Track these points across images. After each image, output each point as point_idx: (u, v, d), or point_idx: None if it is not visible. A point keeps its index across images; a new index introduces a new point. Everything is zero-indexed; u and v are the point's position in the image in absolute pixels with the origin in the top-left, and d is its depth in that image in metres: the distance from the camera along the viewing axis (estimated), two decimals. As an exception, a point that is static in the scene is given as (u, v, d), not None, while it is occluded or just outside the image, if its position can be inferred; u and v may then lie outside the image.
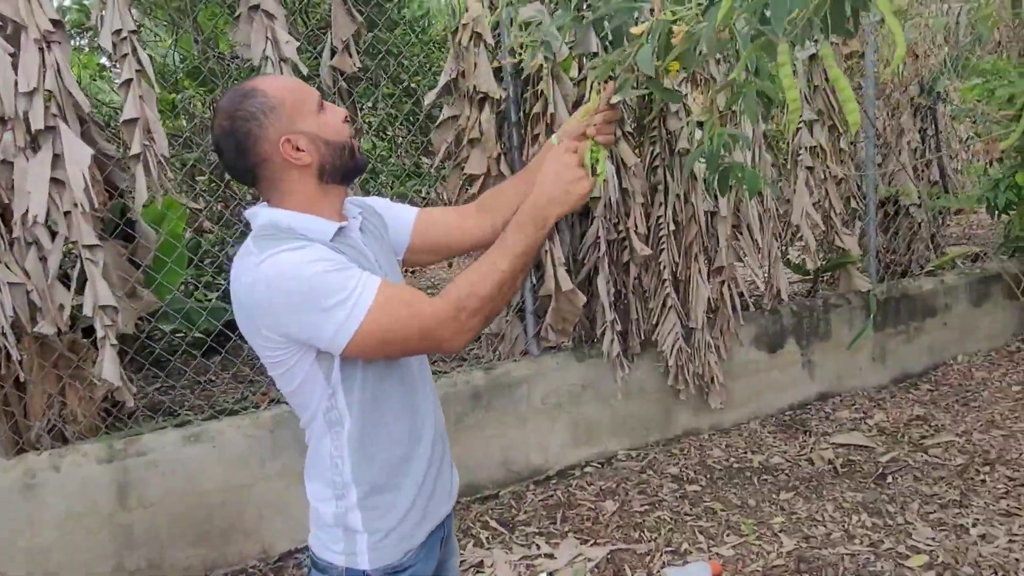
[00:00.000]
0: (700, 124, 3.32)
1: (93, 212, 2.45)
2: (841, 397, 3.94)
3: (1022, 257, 4.35)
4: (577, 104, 3.14)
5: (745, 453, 3.40)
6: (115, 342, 2.49)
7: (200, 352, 3.44)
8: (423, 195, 4.34)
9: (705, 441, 3.54)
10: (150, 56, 2.73)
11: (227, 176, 4.30)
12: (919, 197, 4.42)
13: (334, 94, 2.88)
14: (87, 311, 2.45)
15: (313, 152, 1.21)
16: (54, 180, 2.40)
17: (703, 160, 1.52)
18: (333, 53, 2.92)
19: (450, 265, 5.05)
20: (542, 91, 2.96)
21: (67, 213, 2.40)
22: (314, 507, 1.28)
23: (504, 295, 1.20)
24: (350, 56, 2.83)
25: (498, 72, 3.02)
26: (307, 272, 1.10)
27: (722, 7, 0.96)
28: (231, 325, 3.92)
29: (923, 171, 4.88)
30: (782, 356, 3.77)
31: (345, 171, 1.27)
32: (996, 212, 2.54)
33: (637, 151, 3.25)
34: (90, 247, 2.43)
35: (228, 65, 4.29)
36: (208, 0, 4.16)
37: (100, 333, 2.47)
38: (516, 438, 3.16)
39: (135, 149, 2.51)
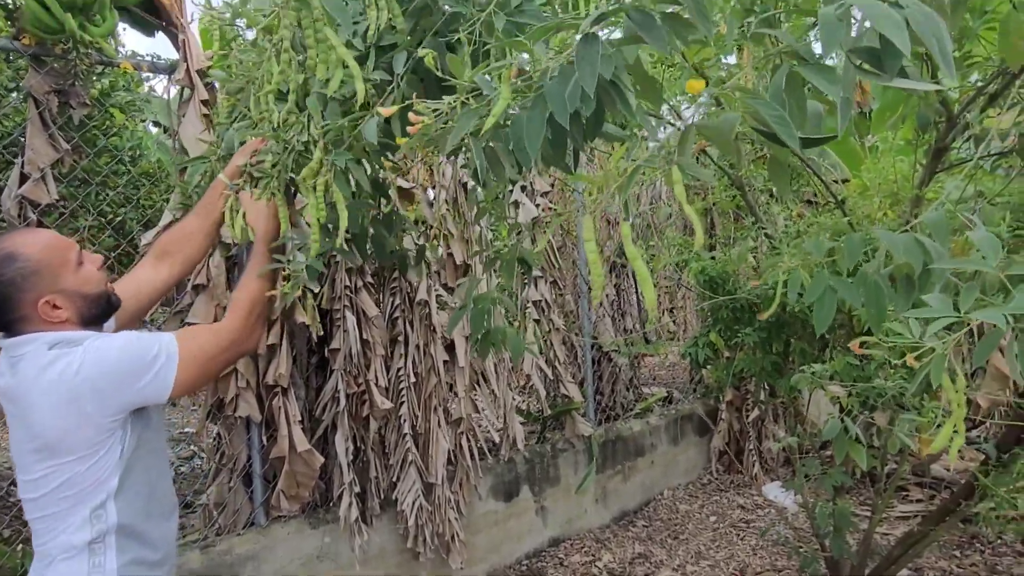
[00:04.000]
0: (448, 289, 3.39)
1: None
2: (571, 541, 4.05)
3: (710, 399, 5.02)
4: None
5: (488, 613, 3.29)
6: None
7: None
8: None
9: (447, 604, 3.36)
10: None
11: None
12: (616, 345, 4.95)
13: (23, 227, 2.43)
14: None
15: (70, 307, 1.38)
16: None
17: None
18: (24, 180, 2.49)
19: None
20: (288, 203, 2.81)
21: None
22: None
23: (270, 299, 1.58)
24: (47, 187, 2.44)
25: (230, 215, 2.82)
26: (124, 340, 1.36)
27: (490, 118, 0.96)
28: None
29: (619, 320, 5.51)
30: (518, 504, 3.80)
31: (102, 316, 1.47)
32: (696, 366, 2.89)
33: (377, 302, 3.20)
34: None
35: None
36: None
37: None
38: (238, 630, 2.70)
39: None
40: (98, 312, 1.44)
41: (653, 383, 6.83)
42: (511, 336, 1.65)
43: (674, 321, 6.80)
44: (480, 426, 3.63)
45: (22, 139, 3.02)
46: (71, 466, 1.31)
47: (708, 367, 2.95)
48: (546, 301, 3.94)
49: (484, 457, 3.69)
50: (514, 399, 3.86)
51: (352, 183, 1.35)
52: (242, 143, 1.81)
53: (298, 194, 1.75)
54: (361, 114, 1.18)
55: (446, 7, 1.16)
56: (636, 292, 5.36)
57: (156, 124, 4.76)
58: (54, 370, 1.30)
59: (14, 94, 3.19)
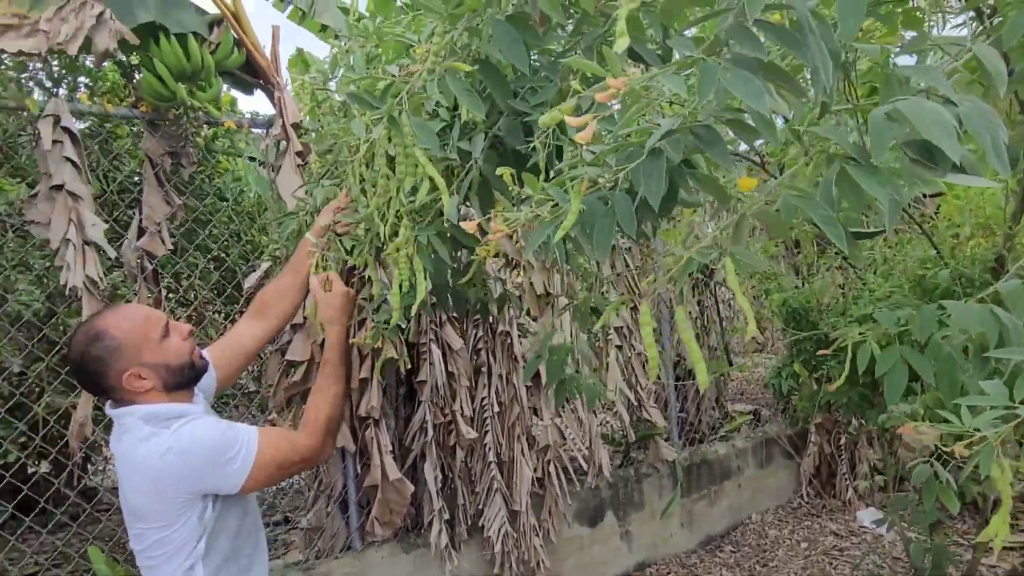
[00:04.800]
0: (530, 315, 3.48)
1: None
2: (657, 566, 4.04)
3: (799, 424, 4.89)
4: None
5: (574, 638, 3.33)
6: None
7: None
8: (240, 380, 4.05)
9: (534, 628, 3.42)
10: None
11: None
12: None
13: (141, 277, 2.67)
14: None
15: (154, 378, 1.50)
16: None
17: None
18: (141, 232, 2.73)
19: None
20: (369, 276, 2.96)
21: None
22: None
23: (340, 403, 1.71)
24: (162, 239, 2.67)
25: (324, 256, 2.99)
26: (211, 432, 1.47)
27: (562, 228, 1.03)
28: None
29: (703, 337, 5.44)
30: (602, 529, 3.83)
31: (187, 382, 1.57)
32: (781, 396, 2.86)
33: (462, 333, 3.31)
34: None
35: (4, 221, 3.85)
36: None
37: None
38: (336, 650, 2.85)
39: None
40: (182, 380, 1.54)
41: (741, 399, 6.70)
42: (587, 385, 1.71)
43: (762, 331, 6.65)
44: (564, 447, 3.68)
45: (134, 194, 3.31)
46: (156, 532, 1.45)
47: (793, 396, 2.91)
48: (627, 327, 3.96)
49: (570, 481, 3.74)
50: (600, 425, 3.90)
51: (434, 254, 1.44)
52: (328, 200, 1.95)
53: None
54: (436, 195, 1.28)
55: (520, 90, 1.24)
56: (719, 310, 5.29)
57: (252, 159, 5.07)
58: (145, 448, 1.43)
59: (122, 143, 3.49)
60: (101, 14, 2.06)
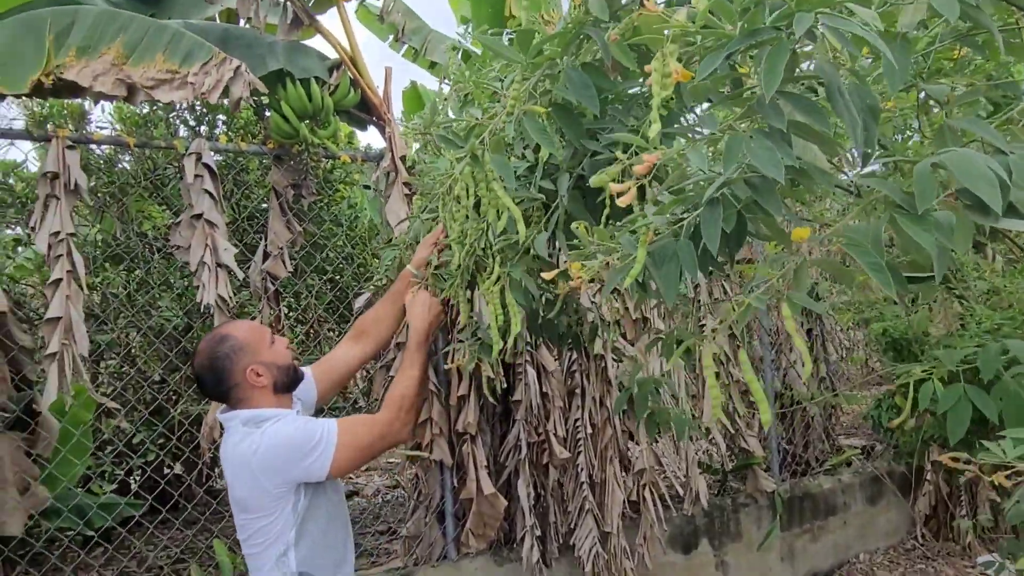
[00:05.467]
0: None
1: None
2: (754, 599, 3.95)
3: (903, 460, 4.66)
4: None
5: (665, 665, 3.32)
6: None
7: (85, 550, 3.18)
8: (347, 390, 4.33)
9: (624, 651, 3.43)
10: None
11: (136, 360, 4.20)
12: (809, 395, 4.74)
13: (265, 296, 2.94)
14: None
15: (268, 375, 1.72)
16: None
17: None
18: (266, 256, 3.02)
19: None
20: (469, 298, 3.12)
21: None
22: None
23: (421, 391, 1.87)
24: (284, 263, 2.93)
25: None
26: (293, 427, 1.65)
27: (631, 272, 1.11)
28: (125, 521, 3.65)
29: (814, 368, 5.26)
30: (697, 557, 3.80)
31: (290, 384, 1.79)
32: (882, 430, 2.78)
33: (559, 354, 3.41)
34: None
35: (151, 244, 4.30)
36: (136, 184, 4.23)
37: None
38: (431, 655, 2.99)
39: (52, 348, 2.45)
40: (288, 381, 1.76)
41: (854, 433, 6.41)
42: (676, 417, 1.77)
43: (880, 361, 6.35)
44: (660, 473, 3.69)
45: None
46: (256, 522, 1.66)
47: (897, 430, 2.81)
48: (725, 354, 3.93)
49: (666, 507, 3.74)
50: (696, 454, 3.88)
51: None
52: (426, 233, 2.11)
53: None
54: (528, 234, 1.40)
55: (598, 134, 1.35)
56: (823, 340, 5.12)
57: (367, 187, 5.41)
58: (243, 447, 1.64)
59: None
60: (238, 67, 2.34)
